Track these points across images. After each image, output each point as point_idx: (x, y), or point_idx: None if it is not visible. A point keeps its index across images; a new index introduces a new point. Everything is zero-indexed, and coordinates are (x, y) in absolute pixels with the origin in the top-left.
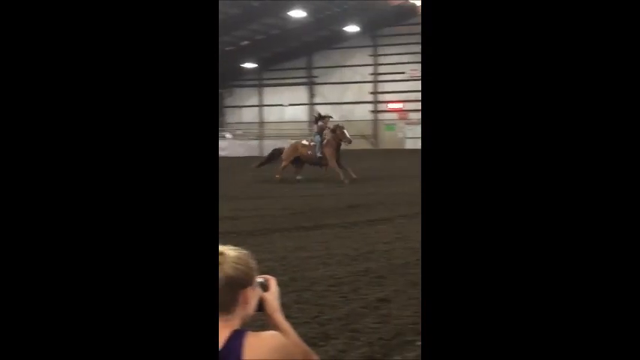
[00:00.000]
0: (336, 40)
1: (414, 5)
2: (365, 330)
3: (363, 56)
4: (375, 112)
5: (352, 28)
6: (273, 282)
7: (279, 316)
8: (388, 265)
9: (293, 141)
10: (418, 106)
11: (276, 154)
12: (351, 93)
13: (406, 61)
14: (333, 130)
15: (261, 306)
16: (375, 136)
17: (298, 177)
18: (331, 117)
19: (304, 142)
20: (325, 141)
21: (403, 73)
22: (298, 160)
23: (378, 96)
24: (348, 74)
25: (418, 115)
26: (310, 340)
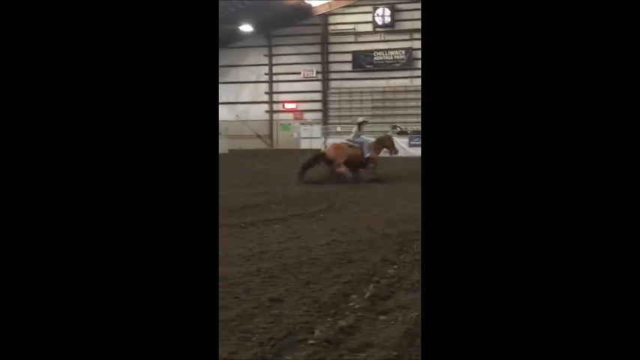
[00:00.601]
0: (231, 40)
1: (309, 6)
2: (256, 330)
3: (259, 56)
4: (271, 112)
5: (247, 28)
6: None
7: None
8: (281, 264)
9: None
10: (313, 106)
11: (319, 158)
12: (246, 93)
13: (301, 61)
14: (383, 140)
15: None
16: (270, 135)
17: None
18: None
19: (347, 142)
20: (369, 144)
21: (299, 73)
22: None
23: (274, 96)
24: (243, 74)
25: (313, 115)
26: None
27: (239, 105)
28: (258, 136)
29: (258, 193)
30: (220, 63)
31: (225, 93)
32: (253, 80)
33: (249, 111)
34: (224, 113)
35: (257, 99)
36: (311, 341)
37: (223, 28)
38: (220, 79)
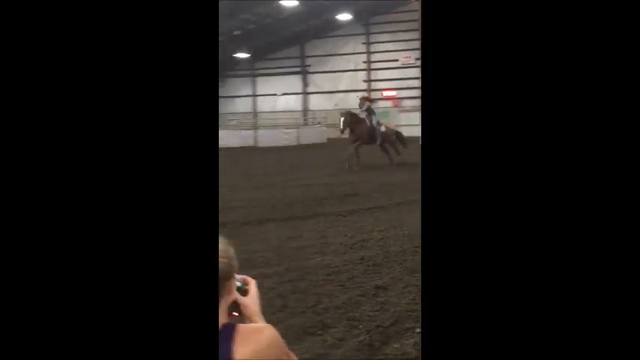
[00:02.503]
0: (328, 29)
1: None
2: (363, 318)
3: (357, 44)
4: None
5: (345, 17)
6: (252, 285)
7: (258, 320)
8: (384, 252)
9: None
10: (412, 93)
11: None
12: (344, 81)
13: (399, 48)
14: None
15: (239, 310)
16: None
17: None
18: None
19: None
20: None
21: (396, 60)
22: None
23: (372, 84)
24: (341, 63)
25: (412, 103)
26: (308, 330)
27: (337, 94)
28: None
29: (362, 182)
30: (317, 53)
31: (323, 82)
32: (351, 69)
33: (348, 99)
34: (323, 102)
35: (355, 87)
36: (418, 329)
37: (320, 17)
38: (317, 69)
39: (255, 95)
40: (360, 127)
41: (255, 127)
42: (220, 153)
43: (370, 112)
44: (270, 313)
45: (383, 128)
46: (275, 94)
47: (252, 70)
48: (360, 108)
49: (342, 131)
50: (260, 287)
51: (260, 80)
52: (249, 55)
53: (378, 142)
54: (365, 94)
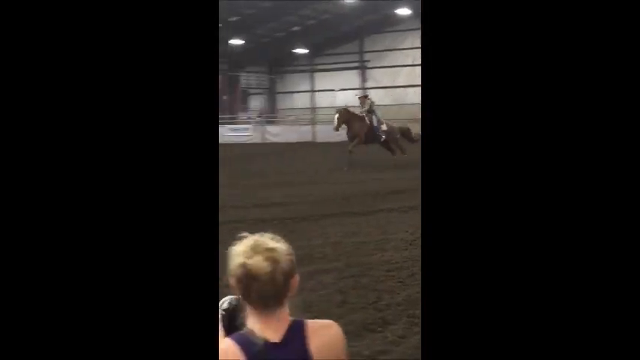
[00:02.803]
0: (387, 24)
1: None
2: None
3: (415, 39)
4: None
5: (404, 11)
6: None
7: None
8: None
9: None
10: None
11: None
12: (403, 76)
13: None
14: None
15: None
16: None
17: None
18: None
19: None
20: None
21: None
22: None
23: None
24: (400, 58)
25: None
26: (368, 326)
27: (396, 89)
28: (416, 120)
29: (418, 178)
30: (376, 48)
31: (381, 77)
32: (410, 64)
33: (407, 95)
34: (381, 97)
35: (413, 82)
36: None
37: (378, 12)
38: (376, 64)
39: (313, 91)
40: (357, 125)
41: (313, 122)
42: (278, 148)
43: (371, 111)
44: (329, 309)
45: (384, 127)
46: (333, 90)
47: (310, 66)
48: (362, 107)
49: (337, 129)
50: (320, 282)
51: (318, 76)
52: (307, 50)
53: (382, 140)
54: (364, 92)
